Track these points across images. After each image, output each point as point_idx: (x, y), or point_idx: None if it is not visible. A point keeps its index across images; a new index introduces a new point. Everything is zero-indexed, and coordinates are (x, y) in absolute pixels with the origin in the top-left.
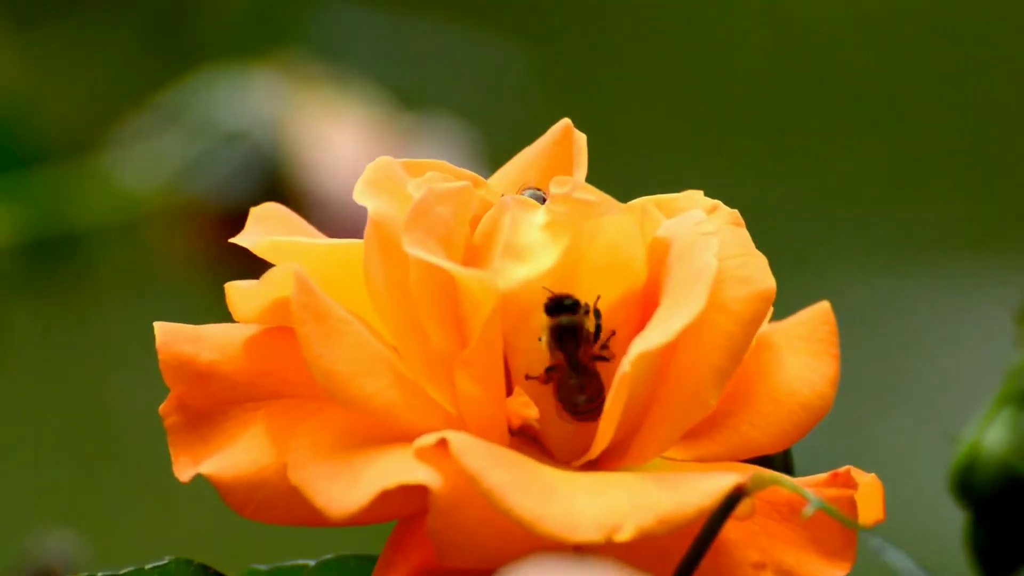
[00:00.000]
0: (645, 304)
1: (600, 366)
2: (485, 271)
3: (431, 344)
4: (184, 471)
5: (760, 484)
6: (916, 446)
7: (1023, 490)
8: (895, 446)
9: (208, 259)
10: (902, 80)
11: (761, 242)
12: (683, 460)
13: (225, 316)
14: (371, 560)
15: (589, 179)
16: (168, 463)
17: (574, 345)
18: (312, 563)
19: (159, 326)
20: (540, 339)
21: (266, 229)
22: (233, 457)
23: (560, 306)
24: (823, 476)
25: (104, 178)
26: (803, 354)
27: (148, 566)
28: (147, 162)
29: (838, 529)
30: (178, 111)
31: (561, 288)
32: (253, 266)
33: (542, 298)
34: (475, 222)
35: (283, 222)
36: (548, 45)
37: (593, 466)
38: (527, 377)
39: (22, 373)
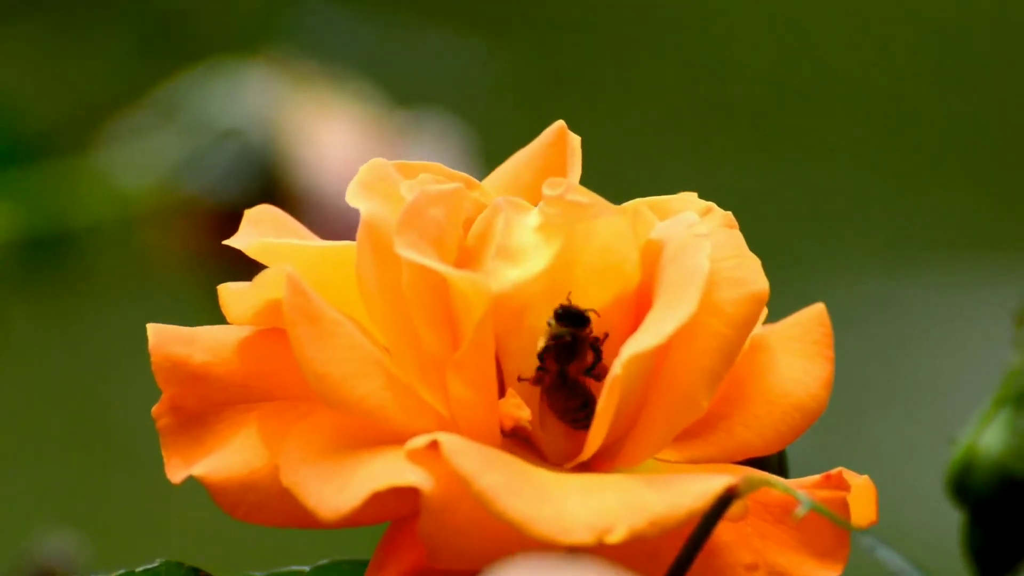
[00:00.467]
0: (638, 306)
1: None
2: (477, 273)
3: (423, 346)
4: (176, 473)
5: (752, 486)
6: (912, 447)
7: (1020, 492)
8: (891, 447)
9: (203, 256)
10: (900, 79)
11: (757, 242)
12: (676, 462)
13: (220, 313)
14: (365, 564)
15: (583, 181)
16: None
17: (569, 359)
18: (307, 568)
19: (152, 328)
20: (540, 343)
21: (260, 231)
22: (225, 459)
23: (572, 317)
24: (816, 478)
25: (99, 176)
26: (797, 356)
27: (139, 569)
28: (142, 160)
29: (831, 530)
30: (173, 109)
31: (554, 290)
32: (247, 264)
33: (535, 300)
34: (468, 224)
35: (276, 224)
36: (546, 45)
37: (585, 468)
38: (519, 379)
39: (18, 371)
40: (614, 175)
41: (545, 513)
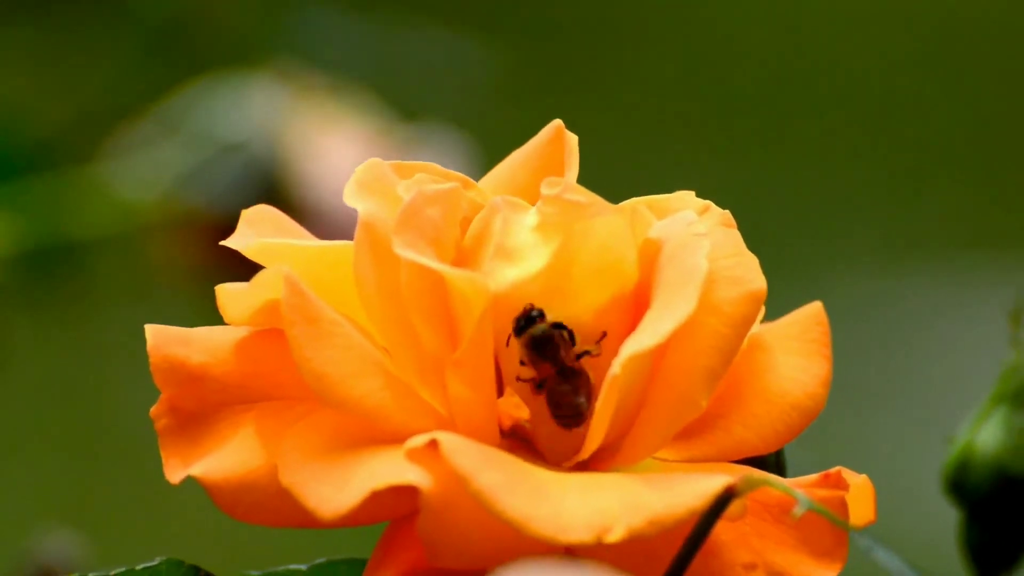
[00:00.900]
0: (636, 305)
1: (591, 369)
2: (475, 272)
3: (422, 345)
4: (174, 473)
5: (750, 485)
6: (910, 446)
7: (1017, 490)
8: (889, 446)
9: (205, 268)
10: (900, 79)
11: (755, 241)
12: (675, 461)
13: (221, 323)
14: (362, 564)
15: (580, 180)
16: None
17: (556, 350)
18: (304, 567)
19: (150, 328)
20: (521, 363)
21: (257, 231)
22: (223, 459)
23: (528, 319)
24: (814, 477)
25: (102, 187)
26: (795, 355)
27: (139, 567)
28: (145, 172)
29: (829, 530)
30: (176, 121)
31: (553, 289)
32: (251, 276)
33: (534, 299)
34: (465, 224)
35: (274, 224)
36: (544, 47)
37: (584, 467)
38: (518, 379)
39: (21, 381)
40: (612, 175)
41: (543, 512)
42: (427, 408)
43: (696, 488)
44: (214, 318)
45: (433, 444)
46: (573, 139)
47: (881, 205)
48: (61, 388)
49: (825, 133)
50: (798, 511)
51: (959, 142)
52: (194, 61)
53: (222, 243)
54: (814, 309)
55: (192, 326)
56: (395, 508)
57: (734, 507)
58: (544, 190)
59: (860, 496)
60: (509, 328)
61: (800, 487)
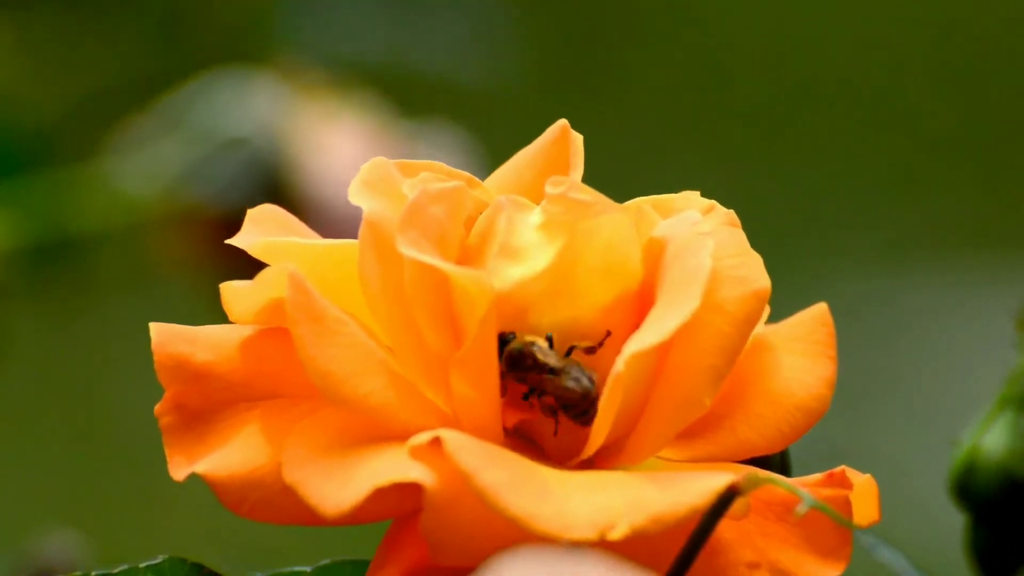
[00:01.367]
0: (641, 304)
1: (596, 363)
2: (480, 270)
3: (426, 344)
4: (179, 470)
5: (754, 483)
6: (914, 447)
7: (1023, 493)
8: (893, 447)
9: (207, 264)
10: (900, 79)
11: (758, 242)
12: (678, 461)
13: (224, 321)
14: (367, 564)
15: (586, 180)
16: (166, 462)
17: (534, 359)
18: (308, 569)
19: (155, 327)
20: (524, 394)
21: (262, 230)
22: (228, 456)
23: (502, 343)
24: (818, 476)
25: (104, 183)
26: (800, 355)
27: (142, 564)
28: (147, 167)
29: (833, 529)
30: (178, 117)
31: (557, 288)
32: (253, 272)
33: (538, 298)
34: (470, 222)
35: (279, 223)
36: (547, 47)
37: (588, 466)
38: (524, 397)
39: (22, 376)
40: (614, 176)
41: (547, 510)
42: (431, 406)
43: (699, 486)
44: (215, 313)
45: (437, 442)
46: (578, 139)
47: (881, 205)
48: (62, 383)
49: (825, 133)
50: (802, 509)
51: (959, 142)
52: (197, 56)
53: (227, 242)
54: (819, 310)
55: (193, 321)
56: (399, 506)
57: (737, 505)
58: (549, 189)
59: (864, 495)
60: (513, 327)
61: (804, 486)
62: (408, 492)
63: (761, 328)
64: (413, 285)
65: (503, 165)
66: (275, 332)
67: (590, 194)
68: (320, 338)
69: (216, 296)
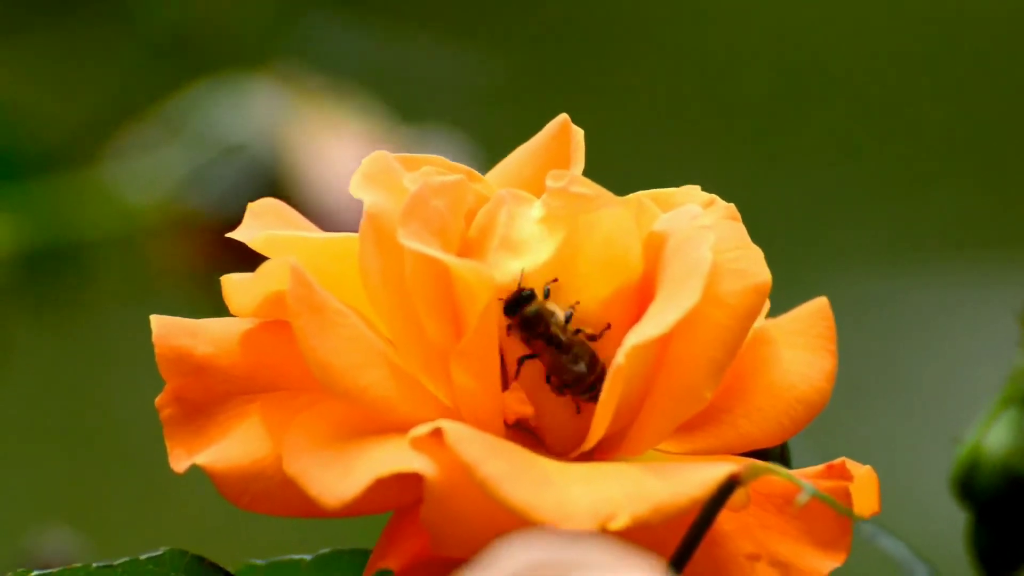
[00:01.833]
0: (641, 298)
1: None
2: (481, 263)
3: (427, 336)
4: (179, 462)
5: (754, 474)
6: (911, 445)
7: None
8: (890, 445)
9: (206, 272)
10: (901, 79)
11: (758, 240)
12: (678, 453)
13: None
14: (367, 554)
15: (586, 174)
16: (165, 462)
17: (547, 327)
18: (308, 557)
19: (156, 319)
20: (521, 356)
21: (263, 224)
22: (228, 448)
23: (518, 300)
24: (818, 468)
25: (103, 190)
26: (800, 349)
27: (143, 556)
28: (147, 174)
29: (833, 520)
30: (178, 124)
31: (557, 282)
32: None
33: (538, 291)
34: (470, 216)
35: (280, 217)
36: (544, 48)
37: (588, 458)
38: (519, 360)
39: (22, 381)
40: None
41: (548, 500)
42: (432, 398)
43: (700, 477)
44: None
45: (438, 433)
46: (579, 133)
47: (881, 205)
48: (61, 389)
49: (825, 133)
50: (802, 499)
51: (960, 142)
52: (196, 64)
53: (229, 235)
54: (819, 304)
55: None
56: (399, 497)
57: (738, 496)
58: (550, 183)
59: (864, 487)
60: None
61: (804, 478)
62: (409, 483)
63: (761, 322)
64: (414, 277)
65: (504, 159)
66: (276, 325)
67: (591, 188)
68: (321, 330)
69: (215, 303)
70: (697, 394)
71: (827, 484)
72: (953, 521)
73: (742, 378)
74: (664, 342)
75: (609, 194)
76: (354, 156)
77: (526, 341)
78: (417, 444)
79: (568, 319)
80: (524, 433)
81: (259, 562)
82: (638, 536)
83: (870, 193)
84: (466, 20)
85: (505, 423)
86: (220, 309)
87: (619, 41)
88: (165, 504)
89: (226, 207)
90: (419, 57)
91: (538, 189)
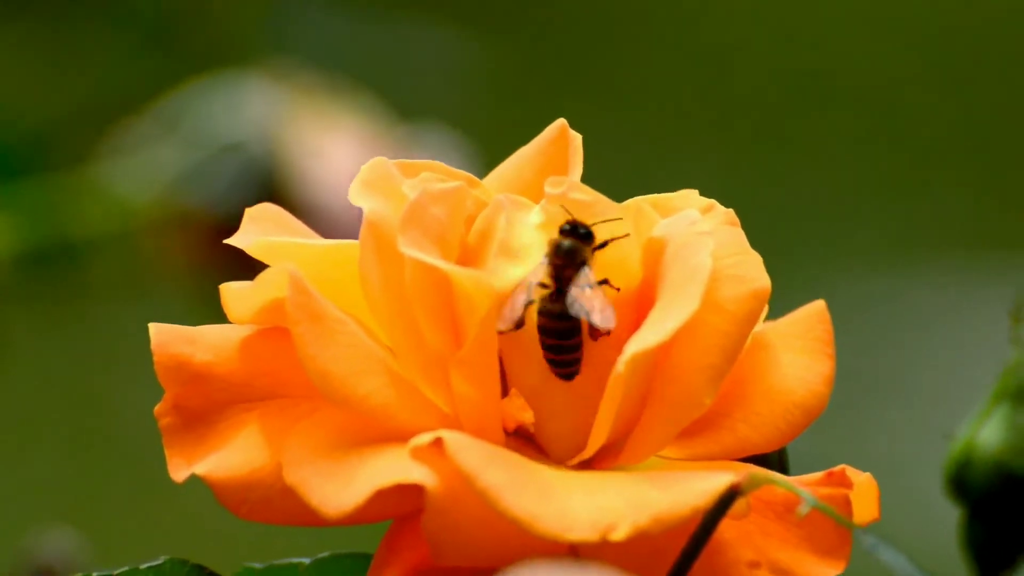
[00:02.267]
0: (640, 304)
1: (596, 363)
2: (480, 271)
3: (426, 344)
4: (179, 472)
5: (755, 483)
6: (911, 444)
7: (1018, 488)
8: (891, 444)
9: (203, 268)
10: (901, 79)
11: (757, 241)
12: (678, 459)
13: (222, 323)
14: (365, 558)
15: (584, 179)
16: (164, 460)
17: (564, 264)
18: (307, 561)
19: (155, 327)
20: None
21: (261, 230)
22: (228, 457)
23: (574, 230)
24: (818, 475)
25: (99, 187)
26: (798, 353)
27: (143, 566)
28: (142, 172)
29: (833, 528)
30: (174, 121)
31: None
32: (250, 275)
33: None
34: (470, 222)
35: (278, 223)
36: (542, 44)
37: (588, 465)
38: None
39: (20, 379)
40: (610, 175)
41: (548, 511)
42: (431, 407)
43: (700, 486)
44: (211, 317)
45: (438, 442)
46: (577, 138)
47: (881, 205)
48: (59, 386)
49: (825, 133)
50: (803, 509)
51: (959, 142)
52: (191, 60)
53: (226, 242)
54: (817, 308)
55: (189, 325)
56: (399, 506)
57: (738, 505)
58: (548, 189)
59: (864, 494)
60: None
61: (804, 485)
62: (409, 493)
63: (759, 325)
64: (414, 285)
65: (502, 164)
66: (275, 332)
67: (589, 194)
68: (320, 338)
69: (213, 300)
70: (697, 401)
71: (827, 492)
72: (951, 521)
73: (741, 383)
74: (663, 349)
75: (607, 200)
76: (350, 153)
77: (555, 267)
78: (417, 454)
79: (599, 282)
80: (524, 440)
81: (257, 565)
82: (639, 546)
83: (870, 193)
84: (463, 10)
85: (505, 430)
86: (217, 306)
87: (617, 40)
88: (164, 503)
89: (222, 204)
90: (416, 49)
91: (536, 194)
